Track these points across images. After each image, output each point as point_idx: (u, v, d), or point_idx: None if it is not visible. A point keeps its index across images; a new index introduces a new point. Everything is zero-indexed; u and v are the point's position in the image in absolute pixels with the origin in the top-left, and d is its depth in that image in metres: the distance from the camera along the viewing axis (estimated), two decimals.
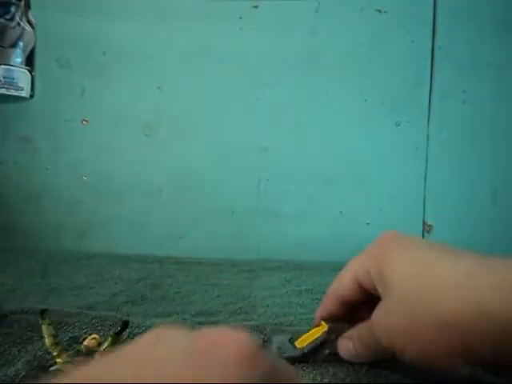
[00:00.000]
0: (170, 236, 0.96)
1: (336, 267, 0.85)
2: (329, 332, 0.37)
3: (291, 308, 0.57)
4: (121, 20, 0.97)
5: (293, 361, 0.37)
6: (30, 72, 0.99)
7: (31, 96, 1.00)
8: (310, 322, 0.53)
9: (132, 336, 0.43)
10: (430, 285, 0.29)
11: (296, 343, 0.39)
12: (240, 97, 0.96)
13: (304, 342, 0.38)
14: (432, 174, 0.93)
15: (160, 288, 0.64)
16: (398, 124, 0.93)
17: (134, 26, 0.97)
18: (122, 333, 0.37)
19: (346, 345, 0.35)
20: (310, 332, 0.39)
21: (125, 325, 0.37)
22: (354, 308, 0.37)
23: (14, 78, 0.97)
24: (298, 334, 0.40)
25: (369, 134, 0.93)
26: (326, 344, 0.37)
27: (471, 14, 0.92)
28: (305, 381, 0.34)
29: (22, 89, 0.99)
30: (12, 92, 0.98)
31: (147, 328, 0.45)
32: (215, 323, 0.49)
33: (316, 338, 0.38)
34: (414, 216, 0.93)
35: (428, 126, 0.93)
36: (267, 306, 0.58)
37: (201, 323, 0.48)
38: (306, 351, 0.37)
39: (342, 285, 0.36)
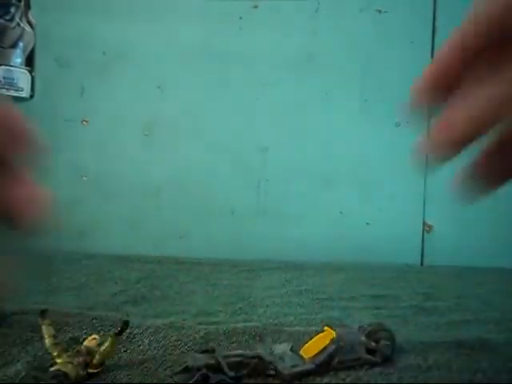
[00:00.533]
0: (170, 236, 0.96)
1: (336, 267, 0.85)
2: (338, 340, 0.37)
3: (291, 308, 0.57)
4: (121, 20, 0.97)
5: (307, 374, 0.36)
6: (30, 72, 0.99)
7: (31, 96, 1.00)
8: (310, 323, 0.53)
9: (132, 336, 0.43)
10: None
11: (301, 352, 0.38)
12: (240, 97, 0.96)
13: (311, 351, 0.37)
14: (432, 174, 0.92)
15: (160, 288, 0.64)
16: (397, 124, 0.93)
17: (134, 25, 0.97)
18: (122, 333, 0.37)
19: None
20: (315, 339, 0.38)
21: (125, 325, 0.37)
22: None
23: (13, 79, 0.97)
24: (300, 342, 0.39)
25: (369, 134, 0.93)
26: (336, 353, 0.37)
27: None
28: None
29: (22, 89, 0.99)
30: (12, 93, 0.97)
31: (147, 328, 0.45)
32: (215, 323, 0.49)
33: (325, 348, 0.37)
34: (414, 216, 0.93)
35: (428, 126, 0.93)
36: (267, 306, 0.58)
37: (201, 323, 0.48)
38: (318, 363, 0.36)
39: (459, 35, 0.23)
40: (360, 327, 0.40)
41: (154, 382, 0.35)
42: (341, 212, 0.94)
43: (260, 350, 0.37)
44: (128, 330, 0.43)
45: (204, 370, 0.33)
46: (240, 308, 0.57)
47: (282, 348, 0.39)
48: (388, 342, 0.39)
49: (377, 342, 0.38)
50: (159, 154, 0.97)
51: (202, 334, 0.45)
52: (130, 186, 0.97)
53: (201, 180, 0.96)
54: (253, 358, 0.36)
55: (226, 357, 0.35)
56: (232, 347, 0.42)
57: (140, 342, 0.42)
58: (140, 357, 0.39)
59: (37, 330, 0.41)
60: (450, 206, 0.93)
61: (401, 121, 0.93)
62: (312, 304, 0.60)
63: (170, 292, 0.62)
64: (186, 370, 0.34)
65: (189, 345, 0.42)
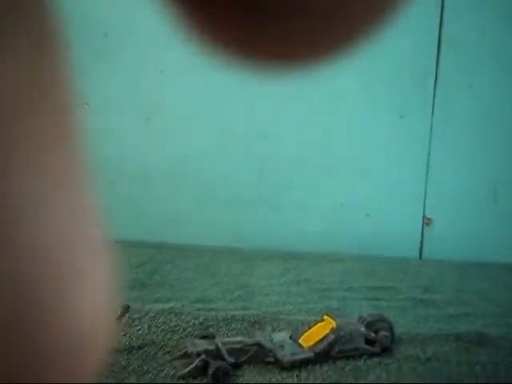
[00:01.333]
0: (170, 222, 0.96)
1: (335, 258, 0.86)
2: (337, 330, 0.37)
3: (290, 297, 0.57)
4: (123, 2, 0.95)
5: (306, 362, 0.36)
6: None
7: None
8: (309, 312, 0.53)
9: (132, 321, 0.43)
10: None
11: (301, 341, 0.38)
12: (242, 84, 0.95)
13: (310, 340, 0.38)
14: (434, 168, 0.92)
15: (159, 274, 0.64)
16: (401, 116, 0.92)
17: (137, 8, 0.95)
18: (122, 317, 0.37)
19: None
20: (314, 329, 0.39)
21: (125, 309, 0.37)
22: None
23: None
24: (299, 331, 0.40)
25: (372, 125, 0.93)
26: (335, 343, 0.37)
27: (479, 5, 0.90)
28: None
29: None
30: None
31: (147, 313, 0.45)
32: (214, 310, 0.49)
33: (325, 337, 0.37)
34: (414, 209, 0.93)
35: (432, 118, 0.92)
36: (266, 294, 0.58)
37: (199, 310, 0.48)
38: (318, 352, 0.37)
39: None
40: (360, 317, 0.40)
41: (154, 366, 0.35)
42: (341, 203, 0.94)
43: (260, 338, 0.37)
44: (127, 315, 0.43)
45: (203, 356, 0.33)
46: (239, 296, 0.57)
47: (281, 336, 0.39)
48: (387, 333, 0.39)
49: (376, 332, 0.39)
50: (160, 139, 0.96)
51: (200, 319, 0.45)
52: (131, 171, 0.97)
53: (201, 167, 0.96)
54: (252, 345, 0.36)
55: (225, 343, 0.35)
56: (231, 334, 0.42)
57: (139, 327, 0.42)
58: (139, 341, 0.39)
59: None
60: (451, 200, 0.92)
61: (405, 112, 0.93)
62: (311, 294, 0.60)
63: (169, 278, 0.62)
64: (186, 355, 0.34)
65: (188, 330, 0.42)
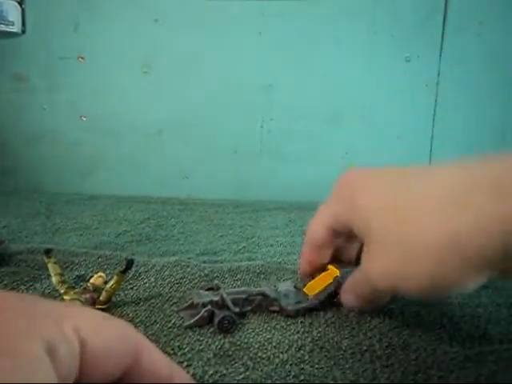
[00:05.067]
0: (173, 176, 0.96)
1: None
2: (341, 278, 0.36)
3: (295, 247, 0.58)
4: None
5: (311, 310, 0.36)
6: (20, 4, 0.94)
7: (23, 31, 0.95)
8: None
9: (138, 274, 0.44)
10: (407, 213, 0.26)
11: (305, 290, 0.38)
12: (242, 30, 0.91)
13: (314, 289, 0.37)
14: (441, 113, 0.90)
15: (164, 228, 0.64)
16: (408, 59, 0.89)
17: None
18: (127, 271, 0.37)
19: (348, 299, 0.35)
20: (318, 278, 0.38)
21: (130, 263, 0.37)
22: (337, 250, 0.38)
23: (2, 11, 0.91)
24: (303, 281, 0.40)
25: (377, 69, 0.89)
26: (338, 290, 0.36)
27: None
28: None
29: (13, 23, 0.93)
30: (2, 27, 0.92)
31: (153, 266, 0.46)
32: (219, 262, 0.50)
33: (328, 285, 0.37)
34: (421, 158, 0.92)
35: (440, 61, 0.88)
36: (271, 245, 0.58)
37: (205, 262, 0.49)
38: (322, 300, 0.36)
39: (317, 235, 0.36)
40: None
41: (161, 317, 0.36)
42: (346, 153, 0.93)
43: (264, 288, 0.37)
44: (134, 269, 0.43)
45: (209, 307, 0.34)
46: (244, 247, 0.57)
47: (285, 285, 0.39)
48: None
49: None
50: (159, 92, 0.94)
51: (206, 271, 0.45)
52: (131, 126, 0.95)
53: (202, 119, 0.94)
54: (257, 294, 0.36)
55: (230, 293, 0.36)
56: (236, 285, 0.43)
57: (146, 280, 0.43)
58: (146, 293, 0.40)
59: (43, 268, 0.41)
60: (458, 148, 0.91)
61: (411, 55, 0.89)
62: None
63: (174, 232, 0.63)
64: (192, 306, 0.35)
65: (194, 282, 0.43)
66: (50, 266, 0.38)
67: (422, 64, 0.89)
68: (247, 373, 0.28)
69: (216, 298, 0.34)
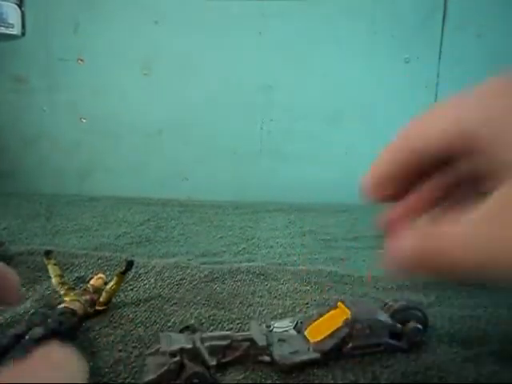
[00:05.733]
0: (172, 178, 0.96)
1: (339, 209, 0.85)
2: (352, 322, 0.29)
3: (295, 248, 0.58)
4: None
5: (310, 364, 0.28)
6: (20, 7, 0.94)
7: (22, 34, 0.95)
8: (314, 262, 0.53)
9: (137, 276, 0.44)
10: None
11: (307, 334, 0.30)
12: (242, 30, 0.91)
13: (318, 333, 0.30)
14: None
15: (164, 230, 0.64)
16: (407, 61, 0.89)
17: None
18: (127, 272, 0.37)
19: (403, 247, 0.21)
20: (325, 318, 0.31)
21: (130, 264, 0.37)
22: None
23: (2, 13, 0.91)
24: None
25: (377, 70, 0.89)
26: (349, 337, 0.29)
27: None
28: None
29: (13, 26, 0.93)
30: (2, 30, 0.92)
31: (153, 268, 0.46)
32: (219, 263, 0.50)
33: (336, 331, 0.29)
34: None
35: (439, 62, 0.88)
36: (271, 246, 0.58)
37: (205, 263, 0.49)
38: (326, 350, 0.28)
39: (428, 139, 0.21)
40: (384, 304, 0.32)
41: (161, 317, 0.36)
42: (346, 153, 0.93)
43: (253, 331, 0.30)
44: (134, 270, 0.43)
45: (178, 357, 0.27)
46: (244, 248, 0.57)
47: (283, 325, 0.32)
48: (418, 325, 0.31)
49: (404, 323, 0.31)
50: (159, 93, 0.94)
51: (206, 273, 0.45)
52: (131, 127, 0.95)
53: (202, 120, 0.94)
54: (243, 340, 0.29)
55: (208, 339, 0.29)
56: (236, 286, 0.43)
57: (146, 281, 0.43)
58: (146, 295, 0.40)
59: (43, 270, 0.41)
60: None
61: (411, 56, 0.89)
62: (315, 244, 0.60)
63: (174, 233, 0.63)
64: (158, 352, 0.28)
65: (194, 283, 0.43)
66: (50, 267, 0.38)
67: (422, 65, 0.89)
68: None
69: (188, 346, 0.27)
